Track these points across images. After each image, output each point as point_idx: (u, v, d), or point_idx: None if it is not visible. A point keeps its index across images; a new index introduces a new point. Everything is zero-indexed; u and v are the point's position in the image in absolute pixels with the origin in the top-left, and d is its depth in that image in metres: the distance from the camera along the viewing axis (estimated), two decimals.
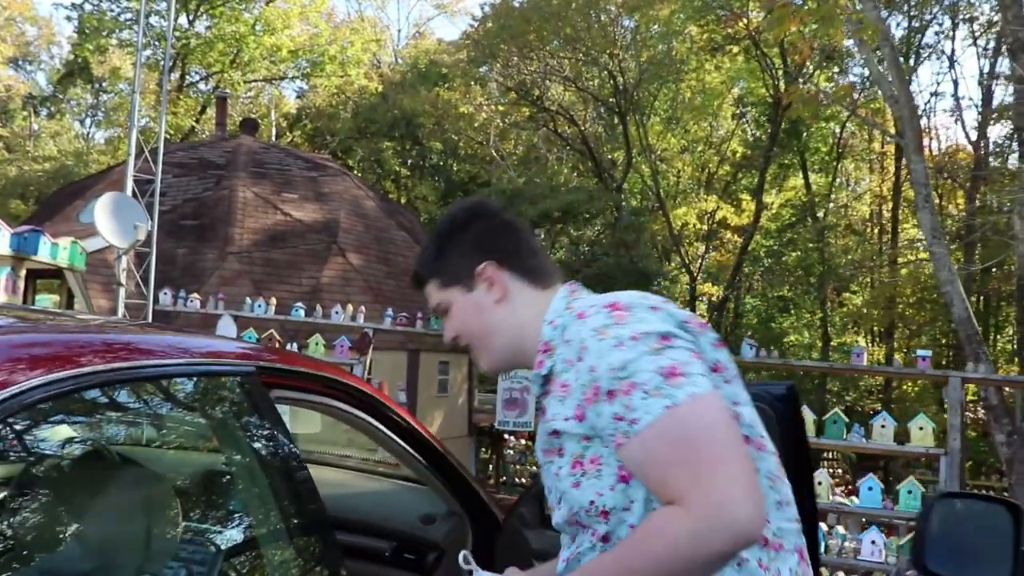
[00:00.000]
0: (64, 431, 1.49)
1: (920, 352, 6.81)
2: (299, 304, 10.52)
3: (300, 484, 1.75)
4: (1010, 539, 1.89)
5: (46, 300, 13.56)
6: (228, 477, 1.76)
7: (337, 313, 10.19)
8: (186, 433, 1.76)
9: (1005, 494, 14.83)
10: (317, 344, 9.49)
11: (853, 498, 5.83)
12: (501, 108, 27.16)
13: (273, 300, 10.47)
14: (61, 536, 1.46)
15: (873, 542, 5.45)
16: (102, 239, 9.10)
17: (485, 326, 1.65)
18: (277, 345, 9.51)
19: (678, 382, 1.31)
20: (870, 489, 5.69)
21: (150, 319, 9.37)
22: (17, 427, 1.34)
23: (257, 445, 1.70)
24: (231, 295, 11.30)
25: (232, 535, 1.67)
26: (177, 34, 22.88)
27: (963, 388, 6.44)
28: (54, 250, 8.35)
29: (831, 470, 17.36)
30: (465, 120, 26.85)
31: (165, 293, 10.06)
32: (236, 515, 1.76)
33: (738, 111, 28.17)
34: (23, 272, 8.01)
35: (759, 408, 1.55)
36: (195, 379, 1.65)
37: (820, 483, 5.73)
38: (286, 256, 14.20)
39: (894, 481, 14.22)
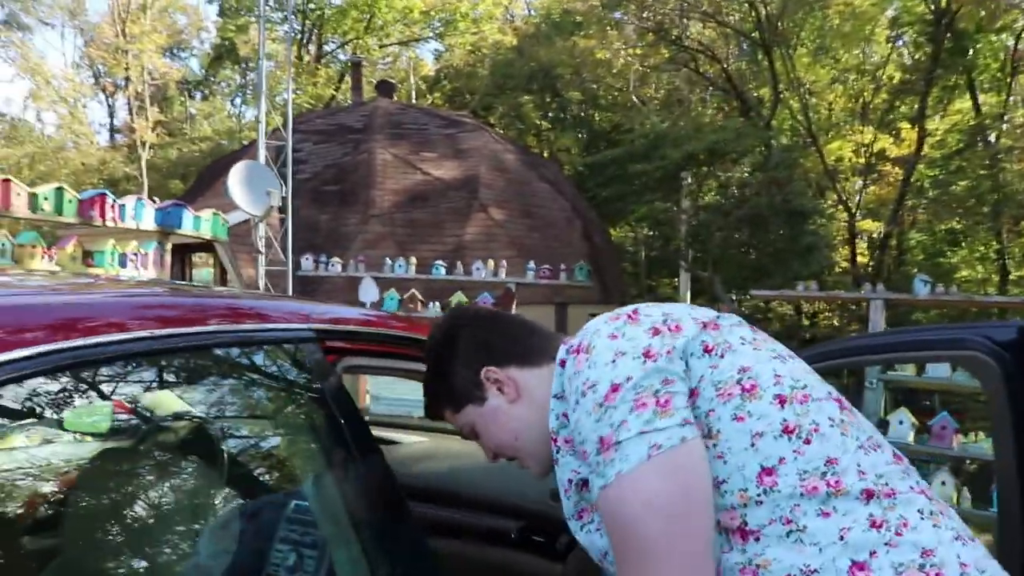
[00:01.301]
0: (69, 405, 1.24)
1: None
2: (439, 262, 10.42)
3: (357, 463, 1.46)
4: None
5: (207, 274, 14.05)
6: (264, 458, 1.49)
7: (478, 269, 10.02)
8: (219, 410, 1.48)
9: None
10: (460, 302, 9.35)
11: None
12: (639, 52, 26.32)
13: (413, 259, 10.40)
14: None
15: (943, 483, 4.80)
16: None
17: (513, 430, 1.53)
18: (419, 305, 9.43)
19: (609, 457, 1.21)
20: None
21: (290, 286, 9.45)
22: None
23: (304, 422, 1.42)
24: (376, 258, 11.31)
25: (270, 516, 1.41)
26: (312, 5, 23.20)
27: None
28: (196, 222, 8.48)
29: None
30: (603, 67, 26.21)
31: (307, 259, 10.14)
32: (279, 495, 1.49)
33: (893, 34, 26.33)
34: (169, 246, 8.16)
35: (974, 359, 1.22)
36: (233, 348, 1.37)
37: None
38: (428, 216, 14.14)
39: None
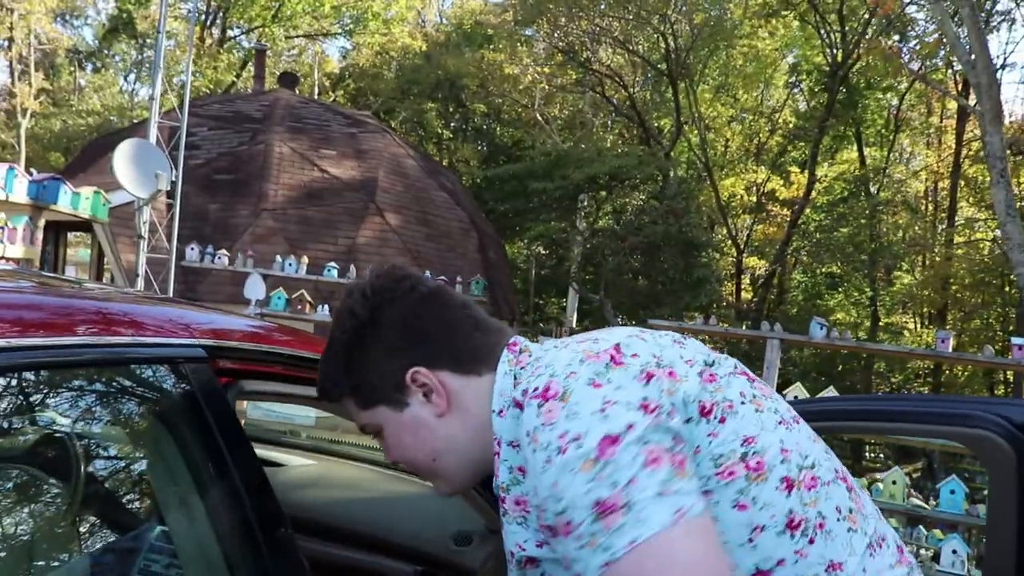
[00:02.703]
0: None
1: (1016, 340, 6.18)
2: (332, 264, 10.10)
3: (248, 513, 1.21)
4: None
5: (84, 254, 13.29)
6: (139, 516, 1.24)
7: None
8: (84, 445, 1.19)
9: None
10: None
11: (932, 501, 5.22)
12: (547, 71, 26.46)
13: (305, 259, 10.04)
14: None
15: (954, 551, 4.86)
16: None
17: (432, 449, 1.21)
18: (307, 307, 9.08)
19: (616, 522, 0.92)
20: (952, 493, 5.08)
21: (172, 276, 8.97)
22: None
23: (186, 463, 1.15)
24: (264, 253, 10.88)
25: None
26: None
27: None
28: (75, 200, 7.93)
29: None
30: (510, 82, 26.22)
31: (192, 249, 9.65)
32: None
33: (792, 80, 27.27)
34: (42, 222, 7.61)
35: (985, 440, 1.07)
36: (103, 368, 1.11)
37: (895, 482, 5.15)
38: (322, 214, 13.72)
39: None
